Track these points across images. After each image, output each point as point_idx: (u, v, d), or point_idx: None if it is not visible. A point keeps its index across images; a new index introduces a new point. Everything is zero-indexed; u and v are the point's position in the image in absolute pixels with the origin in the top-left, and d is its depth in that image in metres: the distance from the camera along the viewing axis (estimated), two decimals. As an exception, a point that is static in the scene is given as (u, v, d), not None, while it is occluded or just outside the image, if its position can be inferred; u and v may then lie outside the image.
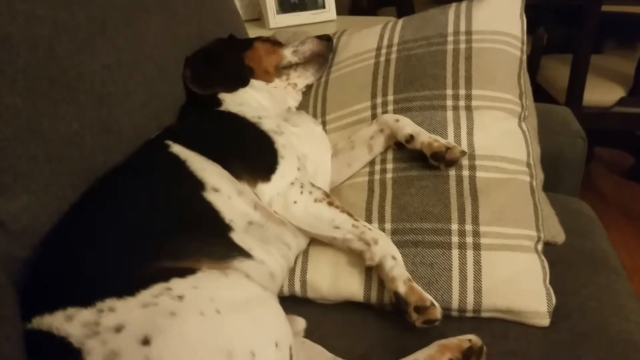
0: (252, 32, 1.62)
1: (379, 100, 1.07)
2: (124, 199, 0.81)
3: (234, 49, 1.18)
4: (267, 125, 0.98)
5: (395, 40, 1.13)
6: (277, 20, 1.88)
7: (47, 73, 0.84)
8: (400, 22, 1.18)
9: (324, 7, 1.97)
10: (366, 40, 1.17)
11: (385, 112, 1.05)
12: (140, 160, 0.90)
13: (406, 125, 0.97)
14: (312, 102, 1.17)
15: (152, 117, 1.03)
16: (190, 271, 0.68)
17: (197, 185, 0.84)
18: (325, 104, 1.14)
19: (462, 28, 1.08)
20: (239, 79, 1.11)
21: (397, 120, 0.99)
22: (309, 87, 1.22)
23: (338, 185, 1.03)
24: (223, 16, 1.35)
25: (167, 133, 0.97)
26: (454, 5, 1.13)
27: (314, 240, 0.93)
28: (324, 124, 1.13)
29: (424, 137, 0.94)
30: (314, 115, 1.15)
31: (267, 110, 1.08)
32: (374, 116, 1.06)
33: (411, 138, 0.95)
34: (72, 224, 0.79)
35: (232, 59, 1.15)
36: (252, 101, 1.10)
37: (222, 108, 1.04)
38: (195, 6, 1.22)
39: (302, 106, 1.19)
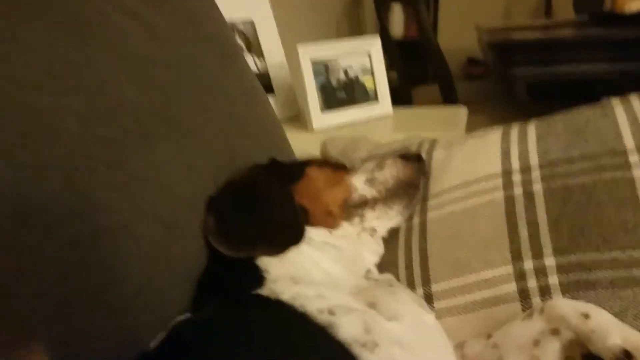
0: (290, 136, 1.26)
1: (527, 264, 0.65)
2: None
3: (278, 181, 0.80)
4: (348, 327, 0.56)
5: (534, 160, 0.73)
6: (323, 119, 1.53)
7: None
8: (532, 129, 0.78)
9: (376, 98, 1.62)
10: (481, 158, 0.78)
11: (544, 286, 0.62)
12: None
13: (609, 327, 0.54)
14: (404, 260, 0.76)
15: (152, 307, 0.63)
16: None
17: None
18: (426, 265, 0.73)
19: (649, 139, 0.68)
20: (290, 232, 0.72)
21: (587, 316, 0.55)
22: (392, 233, 0.81)
23: None
24: (260, 127, 0.99)
25: (175, 345, 0.57)
26: (618, 102, 0.74)
27: None
28: (427, 298, 0.70)
29: (656, 358, 0.50)
30: (409, 284, 0.73)
31: (338, 284, 0.67)
32: (523, 293, 0.64)
33: (627, 357, 0.52)
34: None
35: (278, 197, 0.76)
36: (312, 269, 0.69)
37: (266, 290, 0.63)
38: (222, 120, 0.86)
39: (387, 264, 0.78)
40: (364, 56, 1.58)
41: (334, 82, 1.55)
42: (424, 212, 0.79)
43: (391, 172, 0.80)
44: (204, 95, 0.83)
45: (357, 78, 1.57)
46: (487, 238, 0.69)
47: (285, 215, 0.74)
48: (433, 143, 0.89)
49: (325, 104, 1.55)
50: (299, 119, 1.67)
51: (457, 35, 3.40)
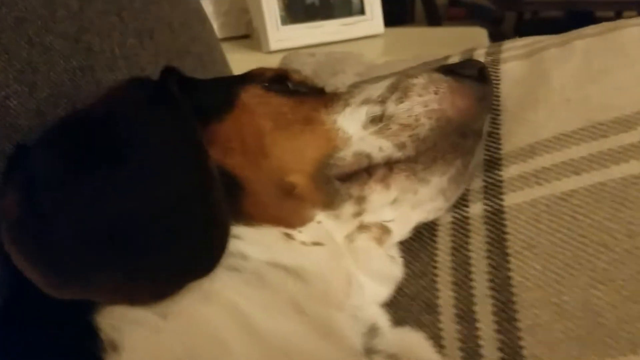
0: (237, 58, 0.85)
1: None
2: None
3: (175, 115, 0.37)
4: None
5: None
6: (284, 36, 1.07)
7: None
8: None
9: (362, 12, 1.18)
10: (619, 74, 0.37)
11: None
12: None
13: None
14: (453, 299, 0.35)
15: None
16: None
17: None
18: (511, 318, 0.32)
19: None
20: (192, 238, 0.31)
21: None
22: (421, 234, 0.40)
23: None
24: (165, 15, 0.54)
25: None
26: None
27: None
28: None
29: None
30: None
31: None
32: None
33: None
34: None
35: (167, 154, 0.34)
36: (235, 342, 0.28)
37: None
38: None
39: (408, 305, 0.37)
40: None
41: (301, -22, 1.10)
42: (495, 190, 0.37)
43: (426, 103, 0.37)
44: None
45: (335, -26, 1.12)
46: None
47: (183, 198, 0.32)
48: (495, 51, 0.47)
49: (288, 14, 1.09)
50: (250, 38, 1.21)
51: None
